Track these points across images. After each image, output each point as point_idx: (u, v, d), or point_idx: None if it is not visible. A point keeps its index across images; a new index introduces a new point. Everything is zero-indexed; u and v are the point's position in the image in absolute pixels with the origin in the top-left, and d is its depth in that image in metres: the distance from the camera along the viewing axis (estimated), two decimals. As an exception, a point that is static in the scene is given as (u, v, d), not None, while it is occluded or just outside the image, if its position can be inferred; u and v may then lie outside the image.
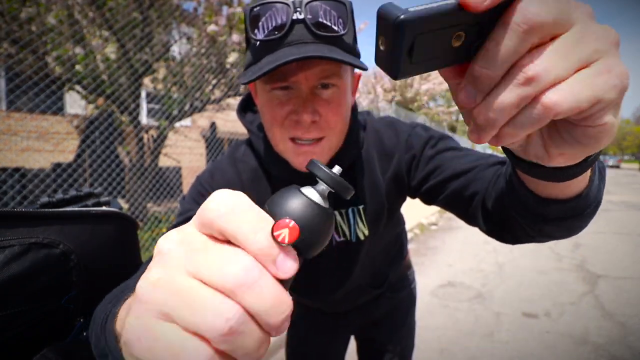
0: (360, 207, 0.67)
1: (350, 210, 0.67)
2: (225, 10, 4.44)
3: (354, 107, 0.66)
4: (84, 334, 0.53)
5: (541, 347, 2.20)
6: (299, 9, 0.48)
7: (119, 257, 0.62)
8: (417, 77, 13.18)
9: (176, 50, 4.76)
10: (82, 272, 0.53)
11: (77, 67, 3.82)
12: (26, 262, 0.46)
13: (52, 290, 0.50)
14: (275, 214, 0.21)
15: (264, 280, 0.18)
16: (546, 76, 0.20)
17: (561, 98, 0.20)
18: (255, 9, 0.50)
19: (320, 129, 0.54)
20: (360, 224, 0.69)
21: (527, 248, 4.47)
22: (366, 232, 0.70)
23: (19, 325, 0.46)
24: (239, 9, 4.44)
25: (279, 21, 0.48)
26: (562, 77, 0.20)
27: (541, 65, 0.20)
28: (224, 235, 0.19)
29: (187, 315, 0.17)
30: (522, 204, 0.40)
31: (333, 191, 0.23)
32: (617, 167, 38.22)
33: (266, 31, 0.49)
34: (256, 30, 0.50)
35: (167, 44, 4.41)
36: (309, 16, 0.48)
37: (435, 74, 13.82)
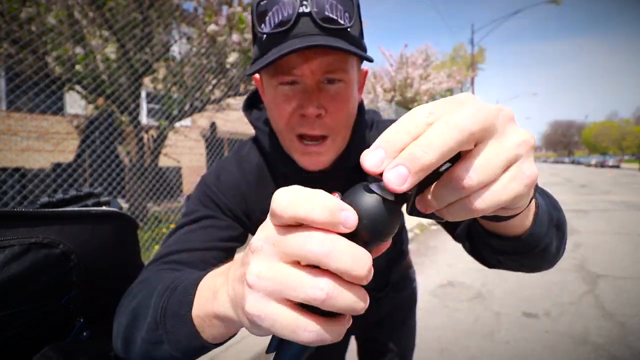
0: None
1: None
2: (225, 10, 4.44)
3: (361, 105, 0.65)
4: (84, 334, 0.53)
5: (541, 347, 2.20)
6: (305, 3, 0.48)
7: (119, 257, 0.62)
8: (417, 77, 13.17)
9: (176, 50, 4.76)
10: (82, 272, 0.53)
11: (77, 67, 3.82)
12: (26, 262, 0.46)
13: (52, 290, 0.50)
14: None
15: (338, 245, 0.21)
16: (472, 185, 0.23)
17: (484, 203, 0.23)
18: (262, 3, 0.50)
19: (325, 125, 0.54)
20: None
21: (527, 248, 4.48)
22: None
23: (19, 325, 0.46)
24: (239, 9, 4.44)
25: (285, 14, 0.48)
26: (486, 183, 0.23)
27: (474, 179, 0.23)
28: (296, 220, 0.22)
29: (292, 293, 0.22)
30: (476, 231, 0.47)
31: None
32: (617, 167, 38.23)
33: (272, 25, 0.49)
34: (263, 25, 0.50)
35: (167, 44, 4.42)
36: (315, 9, 0.48)
37: (434, 74, 13.81)
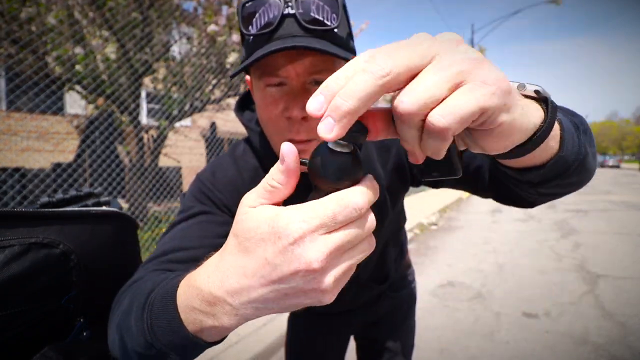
0: None
1: None
2: (225, 10, 4.44)
3: None
4: (84, 334, 0.53)
5: (541, 347, 2.20)
6: (290, 4, 0.48)
7: (119, 257, 0.62)
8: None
9: (176, 50, 4.76)
10: (82, 272, 0.53)
11: (77, 67, 3.82)
12: (26, 262, 0.46)
13: (52, 290, 0.50)
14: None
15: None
16: (406, 107, 0.22)
17: (443, 119, 0.22)
18: (247, 5, 0.50)
19: (310, 129, 0.54)
20: None
21: (527, 248, 4.47)
22: None
23: (19, 325, 0.46)
24: (239, 9, 4.43)
25: (270, 16, 0.48)
26: (431, 104, 0.22)
27: (406, 101, 0.22)
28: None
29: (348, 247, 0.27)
30: (504, 173, 0.43)
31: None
32: (617, 167, 38.21)
33: (258, 26, 0.49)
34: (250, 26, 0.50)
35: (167, 44, 4.41)
36: (300, 10, 0.48)
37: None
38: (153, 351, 0.36)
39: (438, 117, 0.22)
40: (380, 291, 0.88)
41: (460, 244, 4.85)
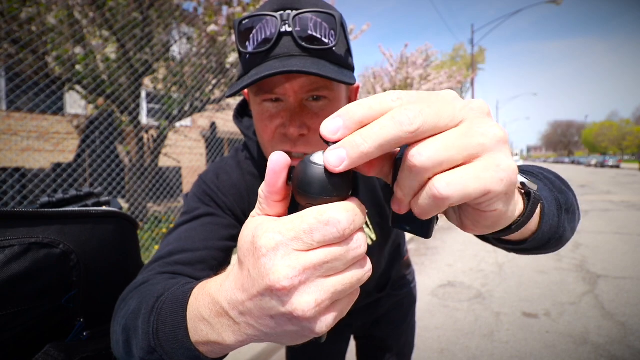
0: None
1: None
2: (225, 10, 4.44)
3: None
4: (84, 334, 0.53)
5: (541, 347, 2.20)
6: (287, 22, 0.47)
7: (119, 256, 0.62)
8: (417, 77, 13.17)
9: (176, 50, 4.76)
10: (82, 272, 0.53)
11: (77, 67, 3.82)
12: (26, 262, 0.46)
13: (52, 290, 0.50)
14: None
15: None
16: (422, 162, 0.22)
17: (449, 188, 0.22)
18: (244, 22, 0.49)
19: (308, 144, 0.53)
20: (367, 229, 0.70)
21: (527, 248, 4.47)
22: (373, 237, 0.71)
23: (19, 325, 0.46)
24: (239, 9, 4.44)
25: (267, 33, 0.48)
26: (445, 165, 0.22)
27: (424, 155, 0.22)
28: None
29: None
30: (484, 238, 0.44)
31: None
32: (617, 167, 38.22)
33: (255, 44, 0.49)
34: (247, 43, 0.50)
35: (167, 44, 4.42)
36: (297, 29, 0.47)
37: (434, 74, 13.81)
38: (155, 356, 0.36)
39: (444, 185, 0.22)
40: (381, 293, 0.88)
41: (460, 244, 4.85)
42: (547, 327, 2.46)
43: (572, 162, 60.20)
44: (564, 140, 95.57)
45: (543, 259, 4.01)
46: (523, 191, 0.32)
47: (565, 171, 30.35)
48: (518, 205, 0.29)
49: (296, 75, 0.49)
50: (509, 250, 0.43)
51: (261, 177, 0.67)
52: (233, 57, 4.85)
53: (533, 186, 0.32)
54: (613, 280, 3.29)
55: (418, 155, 0.22)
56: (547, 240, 0.39)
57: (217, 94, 5.01)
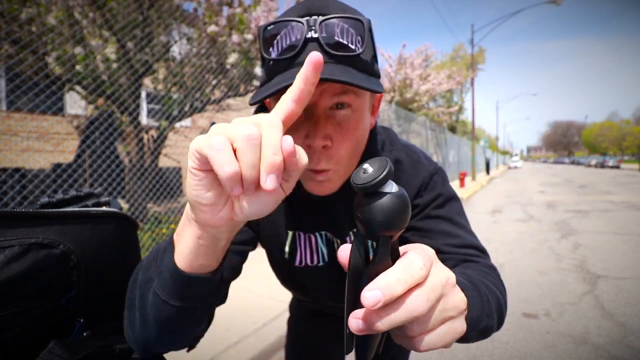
0: None
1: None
2: (225, 10, 4.44)
3: (373, 129, 0.63)
4: (84, 334, 0.53)
5: (541, 347, 2.20)
6: (313, 27, 0.46)
7: (119, 257, 0.62)
8: (416, 77, 13.17)
9: (176, 50, 4.77)
10: (82, 272, 0.53)
11: (77, 67, 3.82)
12: (26, 262, 0.46)
13: (52, 290, 0.50)
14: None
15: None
16: (413, 334, 0.31)
17: (423, 343, 0.31)
18: (269, 28, 0.48)
19: (330, 158, 0.52)
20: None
21: (527, 248, 4.47)
22: None
23: (19, 325, 0.46)
24: (239, 10, 4.44)
25: (293, 39, 0.46)
26: (424, 332, 0.31)
27: (412, 330, 0.31)
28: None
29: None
30: None
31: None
32: (617, 167, 38.22)
33: (280, 50, 0.47)
34: (270, 49, 0.48)
35: (167, 44, 4.42)
36: (323, 34, 0.46)
37: (434, 75, 13.82)
38: (151, 285, 0.41)
39: (423, 344, 0.32)
40: None
41: (460, 244, 4.83)
42: (547, 327, 2.46)
43: (572, 163, 60.18)
44: (564, 140, 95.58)
45: (543, 259, 4.01)
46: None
47: (565, 171, 30.36)
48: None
49: (321, 83, 0.47)
50: None
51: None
52: (233, 58, 4.85)
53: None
54: (613, 280, 3.30)
55: (411, 331, 0.31)
56: (470, 335, 0.42)
57: (217, 94, 5.01)
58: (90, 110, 4.97)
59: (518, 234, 5.36)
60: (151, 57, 4.09)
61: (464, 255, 0.59)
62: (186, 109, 4.71)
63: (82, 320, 0.53)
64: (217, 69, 4.66)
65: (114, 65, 4.03)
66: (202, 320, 0.45)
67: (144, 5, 3.85)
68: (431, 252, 0.31)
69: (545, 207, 8.30)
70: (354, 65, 0.48)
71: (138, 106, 4.03)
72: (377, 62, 0.54)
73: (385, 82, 13.42)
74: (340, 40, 0.46)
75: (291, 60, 0.47)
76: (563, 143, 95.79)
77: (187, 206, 0.34)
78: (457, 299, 0.32)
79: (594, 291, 3.06)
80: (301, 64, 0.46)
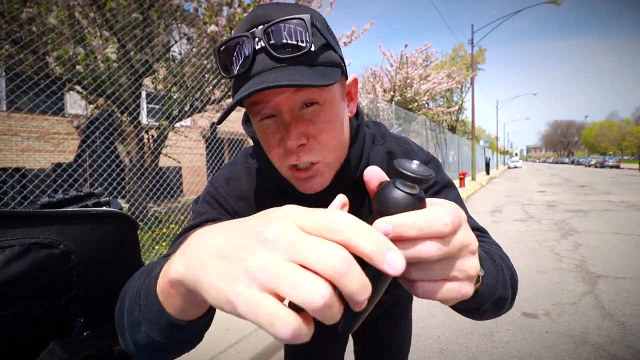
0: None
1: None
2: (225, 10, 4.44)
3: (358, 114, 0.64)
4: (84, 334, 0.54)
5: (541, 347, 2.20)
6: (258, 37, 0.47)
7: (119, 257, 0.62)
8: (416, 77, 13.18)
9: (176, 50, 4.77)
10: (82, 272, 0.53)
11: (78, 67, 3.83)
12: (26, 262, 0.47)
13: (52, 290, 0.50)
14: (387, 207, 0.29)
15: (353, 267, 0.23)
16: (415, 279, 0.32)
17: (422, 290, 0.32)
18: (222, 49, 0.50)
19: (311, 151, 0.53)
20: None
21: (527, 248, 4.47)
22: None
23: (19, 325, 0.46)
24: (239, 10, 4.44)
25: (246, 53, 0.48)
26: (428, 280, 0.32)
27: (418, 273, 0.31)
28: (347, 245, 0.24)
29: (289, 291, 0.22)
30: None
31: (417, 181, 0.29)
32: (617, 167, 38.20)
33: (236, 66, 0.49)
34: (230, 68, 0.50)
35: (167, 44, 4.42)
36: (271, 41, 0.47)
37: (434, 74, 13.82)
38: (134, 315, 0.38)
39: (422, 292, 0.32)
40: (385, 296, 0.88)
41: (460, 244, 4.83)
42: (547, 327, 2.46)
43: (572, 162, 60.14)
44: (564, 140, 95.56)
45: (543, 259, 4.01)
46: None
47: (565, 171, 30.34)
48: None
49: (280, 90, 0.48)
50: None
51: (269, 184, 0.67)
52: (233, 58, 4.85)
53: (481, 272, 0.39)
54: (613, 280, 3.29)
55: (410, 275, 0.32)
56: (482, 302, 0.43)
57: (217, 94, 5.02)
58: (91, 110, 4.97)
59: (518, 234, 5.36)
60: (151, 57, 4.09)
61: None
62: (186, 108, 4.71)
63: (82, 321, 0.53)
64: (217, 69, 4.66)
65: (114, 65, 4.03)
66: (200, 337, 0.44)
67: (144, 5, 3.85)
68: (462, 214, 0.31)
69: (545, 206, 8.30)
70: (307, 62, 0.49)
71: (138, 106, 4.03)
72: (333, 48, 0.53)
73: (385, 81, 13.42)
74: (288, 41, 0.47)
75: (246, 74, 0.48)
76: (563, 143, 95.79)
77: (180, 273, 0.29)
78: (470, 265, 0.32)
79: (594, 291, 3.06)
80: (253, 76, 0.48)
